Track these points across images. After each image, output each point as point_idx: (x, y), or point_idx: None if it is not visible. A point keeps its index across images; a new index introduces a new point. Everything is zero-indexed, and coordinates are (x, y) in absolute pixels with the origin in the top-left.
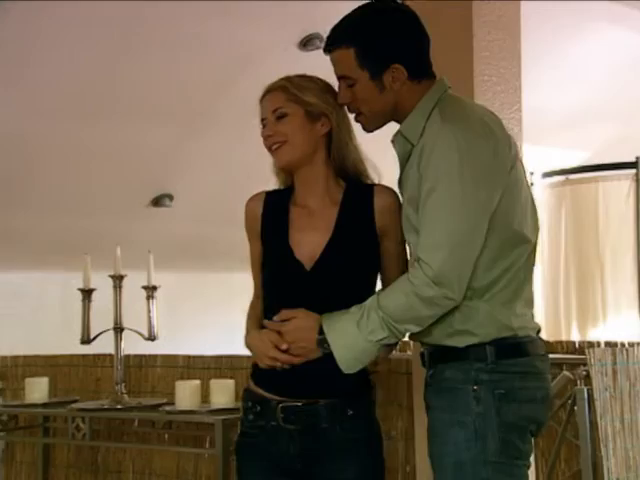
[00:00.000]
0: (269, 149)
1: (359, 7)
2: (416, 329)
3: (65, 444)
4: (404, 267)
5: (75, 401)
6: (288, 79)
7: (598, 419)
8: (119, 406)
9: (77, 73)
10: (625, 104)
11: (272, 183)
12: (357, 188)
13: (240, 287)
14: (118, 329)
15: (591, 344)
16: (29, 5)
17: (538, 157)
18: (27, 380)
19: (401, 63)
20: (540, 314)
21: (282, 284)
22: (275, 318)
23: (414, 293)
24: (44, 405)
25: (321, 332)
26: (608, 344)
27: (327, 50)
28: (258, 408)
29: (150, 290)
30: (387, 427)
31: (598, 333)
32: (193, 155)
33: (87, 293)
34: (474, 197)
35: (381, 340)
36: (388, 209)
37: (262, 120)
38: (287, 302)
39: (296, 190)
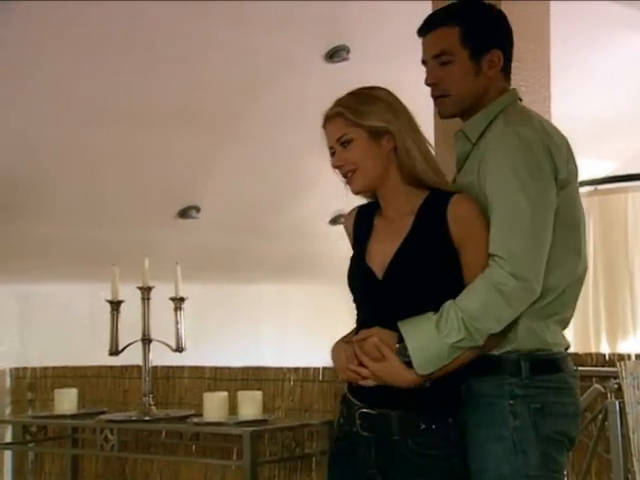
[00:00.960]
0: (344, 177)
1: (462, 0)
2: (497, 328)
3: (93, 455)
4: None
5: (103, 412)
6: (342, 104)
7: (630, 433)
8: (147, 417)
9: (104, 80)
10: None
11: (299, 197)
12: (437, 196)
13: (266, 298)
14: (146, 340)
15: (621, 356)
16: (40, 4)
17: None
18: (56, 391)
19: (501, 50)
20: (569, 326)
21: (358, 293)
22: (354, 339)
23: (495, 288)
24: (73, 416)
25: (399, 341)
26: (639, 356)
27: (424, 31)
28: (345, 412)
29: (178, 302)
30: None
31: (628, 345)
32: (219, 167)
33: (115, 305)
34: (540, 193)
35: (457, 343)
36: (463, 219)
37: (330, 149)
38: (365, 312)
39: (380, 203)
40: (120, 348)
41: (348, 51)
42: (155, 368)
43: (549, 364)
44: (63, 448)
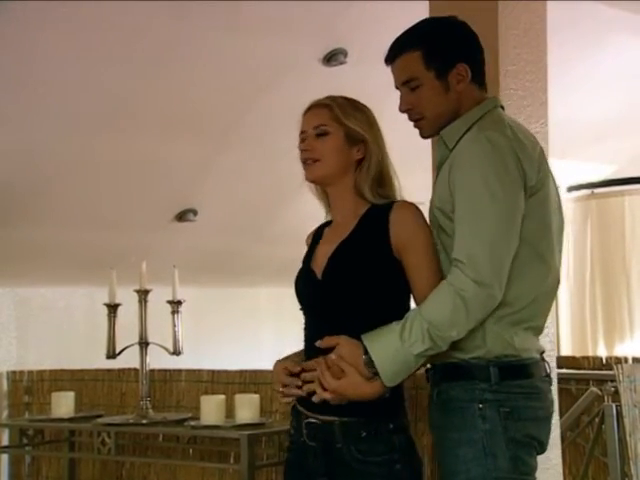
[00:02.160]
0: (303, 162)
1: (420, 20)
2: (460, 335)
3: (91, 459)
4: (436, 278)
5: (100, 416)
6: (334, 99)
7: (627, 436)
8: (144, 421)
9: (100, 83)
10: None
11: (296, 200)
12: (380, 205)
13: (264, 302)
14: (143, 344)
15: (619, 360)
16: (39, 5)
17: (563, 171)
18: (53, 394)
19: (466, 62)
20: (566, 329)
21: (301, 296)
22: (317, 344)
23: (457, 295)
24: (70, 420)
25: (365, 352)
26: (636, 360)
27: (390, 59)
28: (294, 423)
29: (175, 305)
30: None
31: (625, 348)
32: (217, 170)
33: (113, 308)
34: (506, 198)
35: (422, 353)
36: (403, 223)
37: (301, 133)
38: (308, 314)
39: (330, 204)
40: (117, 351)
41: (346, 54)
42: (152, 371)
43: (518, 370)
44: (60, 452)
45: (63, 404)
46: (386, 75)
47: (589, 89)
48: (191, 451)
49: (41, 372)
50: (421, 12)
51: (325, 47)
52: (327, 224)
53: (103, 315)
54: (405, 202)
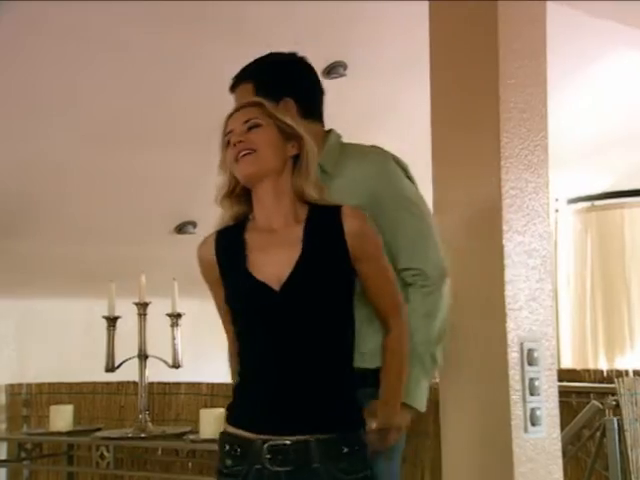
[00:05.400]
0: (235, 159)
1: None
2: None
3: (89, 472)
4: (389, 285)
5: (99, 429)
6: (261, 98)
7: (628, 450)
8: (143, 434)
9: (101, 98)
10: None
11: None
12: (322, 209)
13: None
14: (142, 357)
15: (619, 373)
16: (39, 4)
17: (563, 183)
18: (52, 408)
19: (292, 97)
20: (567, 341)
21: (250, 313)
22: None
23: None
24: (68, 433)
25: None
26: (637, 373)
27: (232, 88)
28: (238, 451)
29: (174, 317)
30: (413, 457)
31: (626, 361)
32: (216, 182)
33: (112, 321)
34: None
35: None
36: (360, 232)
37: (227, 134)
38: (259, 332)
39: (255, 212)
40: (116, 364)
41: (345, 67)
42: (151, 384)
43: None
44: (58, 465)
45: (61, 417)
46: (385, 87)
47: (588, 100)
48: (190, 465)
49: (40, 385)
50: (420, 26)
51: (325, 60)
52: (230, 233)
53: (102, 328)
54: (353, 208)
